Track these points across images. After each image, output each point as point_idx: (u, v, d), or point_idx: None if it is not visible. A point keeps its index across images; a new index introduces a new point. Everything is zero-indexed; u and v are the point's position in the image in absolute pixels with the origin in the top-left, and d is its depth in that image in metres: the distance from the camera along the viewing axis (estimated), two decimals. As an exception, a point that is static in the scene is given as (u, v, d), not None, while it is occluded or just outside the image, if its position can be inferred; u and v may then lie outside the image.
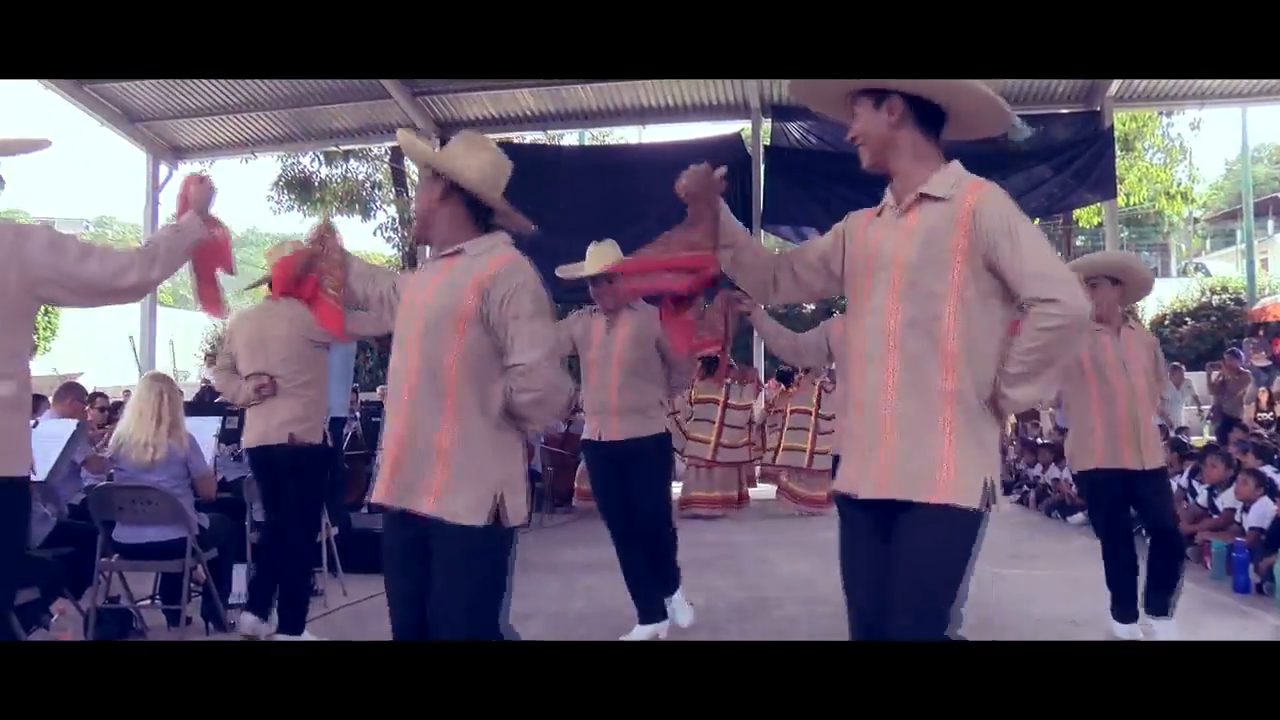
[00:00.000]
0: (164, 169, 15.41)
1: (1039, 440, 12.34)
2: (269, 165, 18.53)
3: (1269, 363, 14.18)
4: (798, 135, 13.67)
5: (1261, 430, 10.86)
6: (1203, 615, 5.24)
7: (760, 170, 13.62)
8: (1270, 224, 36.87)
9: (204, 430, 6.10)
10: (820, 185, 12.73)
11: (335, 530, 6.07)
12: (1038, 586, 5.99)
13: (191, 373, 21.48)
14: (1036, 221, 16.46)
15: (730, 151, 13.75)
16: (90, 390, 10.34)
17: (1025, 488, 10.96)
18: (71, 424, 5.29)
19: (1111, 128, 13.36)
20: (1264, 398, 13.26)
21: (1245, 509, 6.53)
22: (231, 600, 5.51)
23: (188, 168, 16.41)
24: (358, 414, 8.73)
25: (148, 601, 5.48)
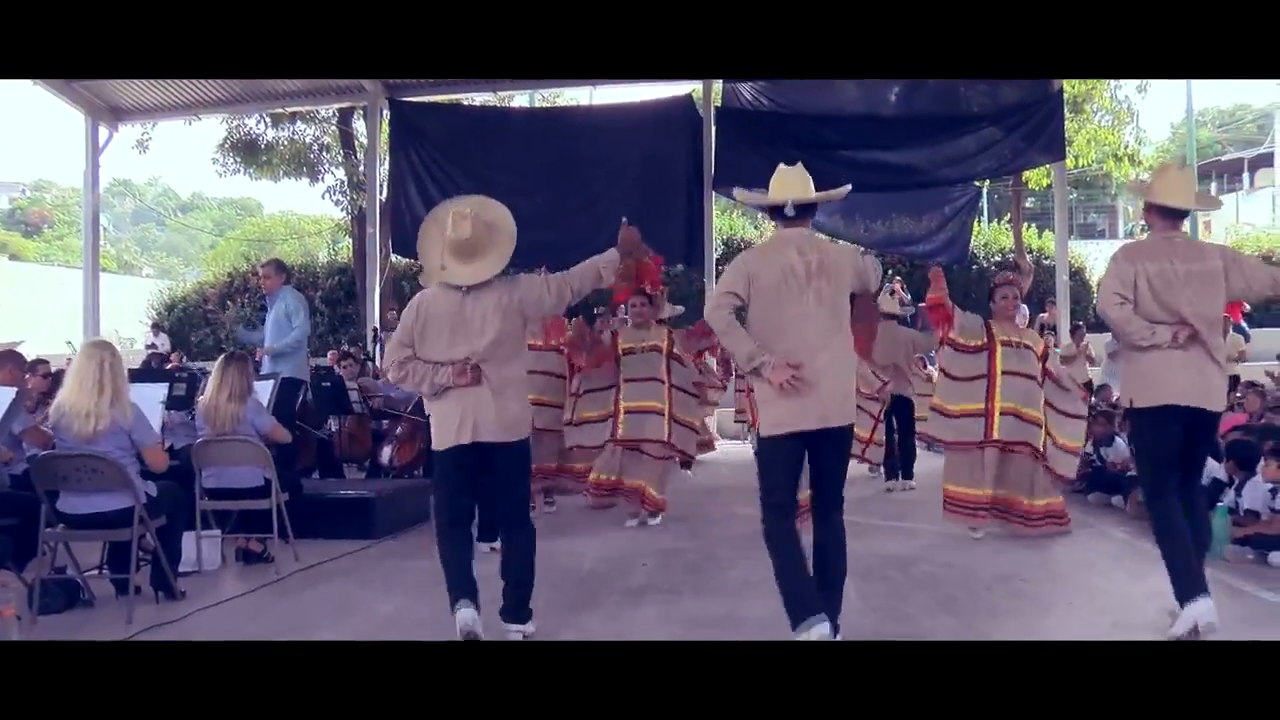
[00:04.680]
0: (104, 131, 14.95)
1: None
2: (213, 127, 18.06)
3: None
4: (749, 96, 13.60)
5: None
6: (1143, 566, 5.35)
7: (712, 131, 13.56)
8: (1214, 187, 37.47)
9: (151, 397, 6.01)
10: (772, 146, 12.63)
11: (286, 496, 6.01)
12: (989, 544, 6.09)
13: (138, 339, 21.08)
14: (988, 182, 16.35)
15: (681, 113, 13.67)
16: (32, 358, 10.11)
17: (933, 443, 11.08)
18: (10, 393, 5.16)
19: (1061, 90, 13.44)
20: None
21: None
22: (181, 568, 5.45)
23: (128, 130, 16.02)
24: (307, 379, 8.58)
25: (95, 571, 5.40)
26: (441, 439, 4.34)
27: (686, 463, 9.62)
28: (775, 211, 4.23)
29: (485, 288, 4.29)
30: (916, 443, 8.80)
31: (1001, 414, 6.32)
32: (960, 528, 6.55)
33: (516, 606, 4.34)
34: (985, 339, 6.45)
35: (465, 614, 4.17)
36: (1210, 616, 4.06)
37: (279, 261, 8.52)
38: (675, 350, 7.20)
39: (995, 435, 6.32)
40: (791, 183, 4.16)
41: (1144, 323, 4.28)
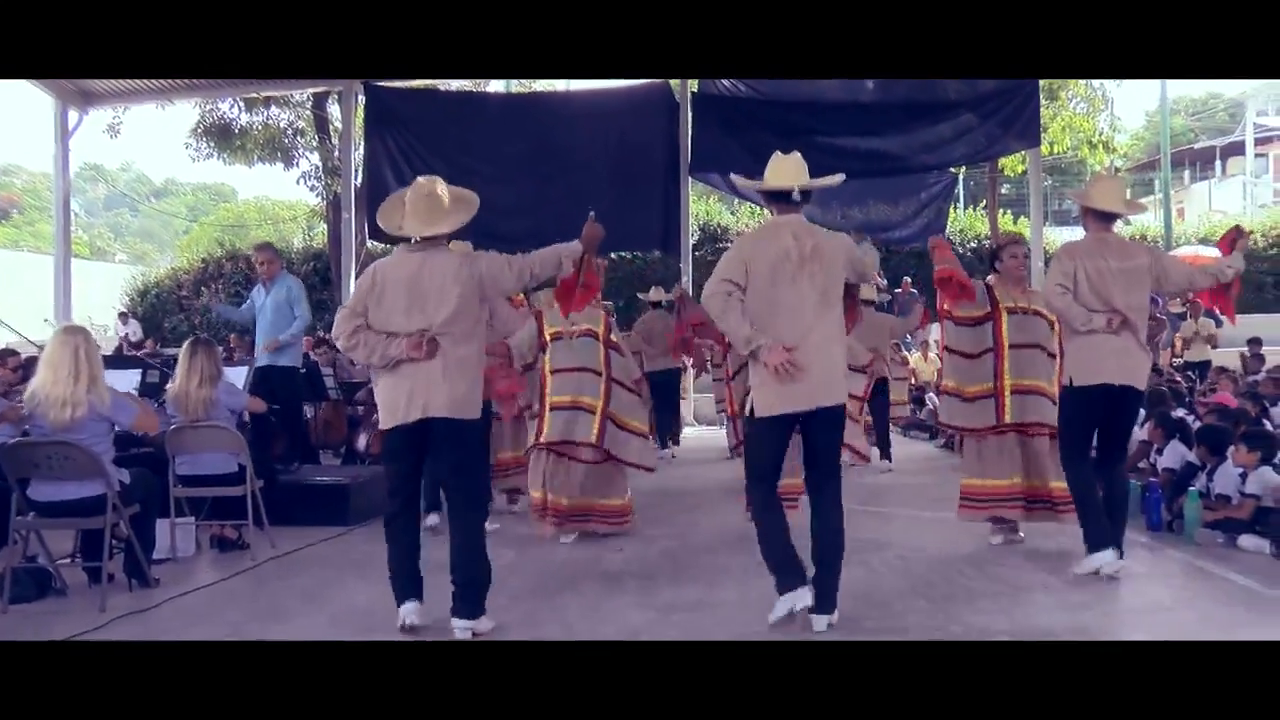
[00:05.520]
0: (73, 115, 14.76)
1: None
2: (186, 112, 17.89)
3: (1183, 309, 14.58)
4: (726, 83, 13.59)
5: (1177, 375, 11.18)
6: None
7: (689, 117, 13.55)
8: (1186, 174, 37.78)
9: (124, 385, 5.95)
10: (748, 132, 12.71)
11: (261, 484, 5.97)
12: (963, 528, 6.13)
13: (112, 326, 20.87)
14: (964, 169, 16.42)
15: (658, 99, 13.65)
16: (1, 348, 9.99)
17: (951, 432, 11.06)
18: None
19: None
20: (1178, 344, 13.65)
21: (1159, 451, 6.74)
22: (156, 556, 5.41)
23: (99, 114, 15.82)
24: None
25: (68, 560, 5.35)
26: (388, 416, 4.18)
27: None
28: (772, 198, 4.32)
29: (443, 256, 4.18)
30: (892, 426, 8.92)
31: (1012, 393, 5.60)
32: (938, 515, 6.58)
33: (465, 602, 4.16)
34: (988, 307, 5.71)
35: (407, 607, 4.19)
36: (1111, 567, 4.86)
37: (274, 246, 8.41)
38: (613, 337, 6.16)
39: (1007, 418, 5.62)
40: (789, 171, 4.26)
41: (1083, 310, 4.84)
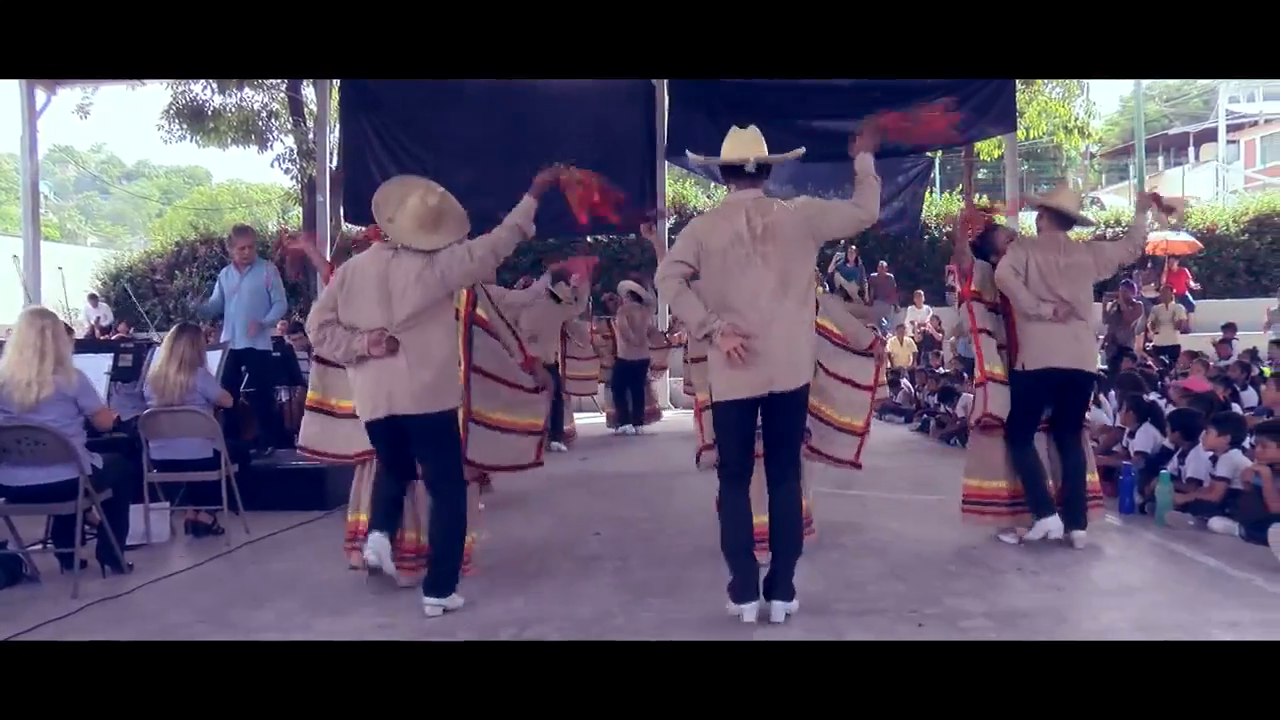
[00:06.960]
0: (41, 95, 14.52)
1: (939, 369, 12.62)
2: (158, 93, 17.61)
3: (1156, 294, 14.71)
4: (704, 65, 13.57)
5: (1149, 360, 11.28)
6: (1089, 535, 5.46)
7: (665, 100, 13.51)
8: (1160, 160, 38.04)
9: (95, 368, 5.90)
10: (725, 115, 12.62)
11: (235, 468, 5.94)
12: (938, 511, 6.17)
13: (81, 310, 20.63)
14: (939, 153, 16.46)
15: (635, 82, 13.59)
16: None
17: (925, 416, 11.12)
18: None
19: (1012, 62, 13.55)
20: (1148, 327, 13.79)
21: (1131, 434, 6.80)
22: (129, 541, 5.37)
23: (68, 94, 15.57)
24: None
25: (39, 546, 5.30)
26: (362, 410, 4.33)
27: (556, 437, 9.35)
28: (730, 173, 4.20)
29: (412, 256, 4.24)
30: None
31: None
32: (914, 498, 6.61)
33: (434, 582, 4.29)
34: (998, 298, 5.50)
35: (374, 536, 4.39)
36: (1057, 533, 5.24)
37: (253, 230, 8.44)
38: (480, 311, 4.83)
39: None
40: (745, 143, 4.16)
41: (1031, 296, 5.24)
